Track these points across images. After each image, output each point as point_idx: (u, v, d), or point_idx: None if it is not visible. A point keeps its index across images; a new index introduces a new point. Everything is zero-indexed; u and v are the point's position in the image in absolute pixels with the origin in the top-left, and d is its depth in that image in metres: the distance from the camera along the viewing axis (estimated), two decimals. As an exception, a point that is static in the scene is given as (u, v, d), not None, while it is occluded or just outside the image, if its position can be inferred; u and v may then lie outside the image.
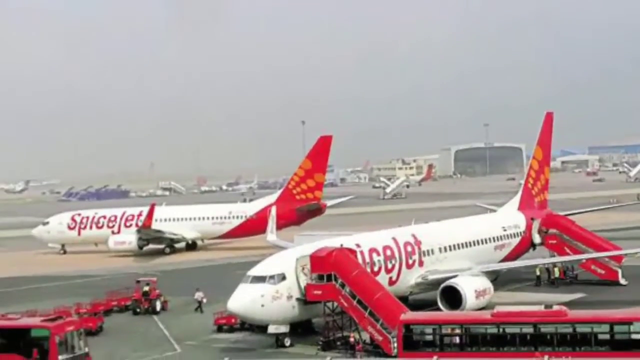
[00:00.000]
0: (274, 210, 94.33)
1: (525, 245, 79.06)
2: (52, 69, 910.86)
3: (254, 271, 56.23)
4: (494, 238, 75.03)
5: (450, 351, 44.65)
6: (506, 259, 75.40)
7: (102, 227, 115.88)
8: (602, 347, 43.66)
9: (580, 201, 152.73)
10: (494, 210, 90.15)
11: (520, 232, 78.46)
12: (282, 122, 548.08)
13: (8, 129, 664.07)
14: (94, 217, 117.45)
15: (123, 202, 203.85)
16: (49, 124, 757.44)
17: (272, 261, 57.46)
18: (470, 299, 59.99)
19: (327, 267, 54.53)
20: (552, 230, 78.37)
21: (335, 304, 54.49)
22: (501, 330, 45.13)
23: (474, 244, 72.10)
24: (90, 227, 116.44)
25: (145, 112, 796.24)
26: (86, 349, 47.08)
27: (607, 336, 44.06)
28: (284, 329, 54.86)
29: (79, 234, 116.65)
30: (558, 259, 75.57)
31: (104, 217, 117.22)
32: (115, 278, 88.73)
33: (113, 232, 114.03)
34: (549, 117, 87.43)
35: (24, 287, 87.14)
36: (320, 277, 54.71)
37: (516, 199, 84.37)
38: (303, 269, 55.23)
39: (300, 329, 57.18)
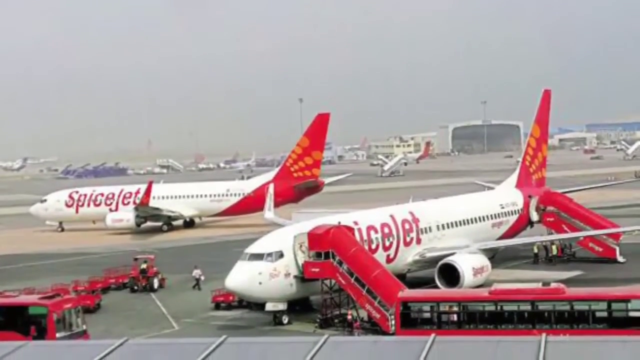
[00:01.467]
0: (271, 187, 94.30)
1: (523, 223, 79.02)
2: (48, 45, 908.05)
3: (252, 249, 56.19)
4: (491, 216, 75.04)
5: (448, 329, 44.72)
6: (504, 236, 75.43)
7: (99, 204, 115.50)
8: (600, 324, 43.74)
9: (578, 179, 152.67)
10: (492, 188, 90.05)
11: (518, 210, 78.39)
12: (280, 100, 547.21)
13: (5, 106, 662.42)
14: (91, 195, 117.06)
15: (121, 180, 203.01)
16: (46, 102, 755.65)
17: (270, 239, 57.39)
18: (468, 277, 60.04)
19: (324, 244, 54.50)
20: (550, 208, 78.26)
21: (333, 281, 54.54)
22: (499, 307, 45.20)
23: (472, 222, 72.12)
24: (88, 205, 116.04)
25: (142, 89, 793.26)
26: (84, 327, 47.10)
27: (605, 314, 44.16)
28: (282, 306, 54.87)
29: (77, 211, 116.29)
30: (556, 236, 75.61)
31: (102, 194, 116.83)
32: (112, 255, 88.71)
33: (111, 210, 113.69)
34: (546, 95, 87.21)
35: (21, 265, 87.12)
36: (318, 255, 54.68)
37: (514, 177, 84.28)
38: (301, 246, 55.20)
39: (298, 307, 57.23)
